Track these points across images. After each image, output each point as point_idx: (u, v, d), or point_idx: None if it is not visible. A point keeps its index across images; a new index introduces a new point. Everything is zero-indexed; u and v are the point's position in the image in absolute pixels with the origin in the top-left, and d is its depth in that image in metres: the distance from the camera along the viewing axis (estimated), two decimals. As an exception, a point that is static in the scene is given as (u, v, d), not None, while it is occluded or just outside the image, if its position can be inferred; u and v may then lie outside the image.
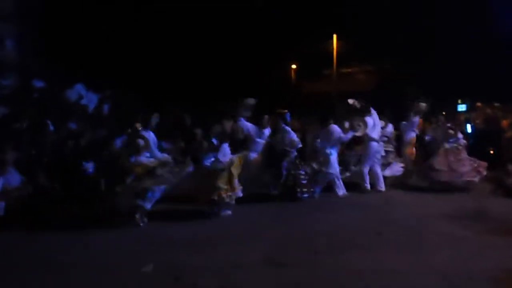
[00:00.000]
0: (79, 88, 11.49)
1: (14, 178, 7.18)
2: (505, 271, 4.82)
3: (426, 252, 5.52)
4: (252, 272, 4.97)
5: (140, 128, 8.44)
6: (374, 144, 9.29)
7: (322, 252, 5.55)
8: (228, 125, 13.09)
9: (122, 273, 5.01)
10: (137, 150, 7.50)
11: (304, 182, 8.71)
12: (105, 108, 12.37)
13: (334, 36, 27.64)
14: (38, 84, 11.59)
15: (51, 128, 9.83)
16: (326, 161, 8.84)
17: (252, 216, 7.60)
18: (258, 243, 5.97)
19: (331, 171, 8.86)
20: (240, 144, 10.72)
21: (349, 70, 29.95)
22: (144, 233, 6.67)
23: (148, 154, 7.61)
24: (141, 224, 7.04)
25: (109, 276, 4.93)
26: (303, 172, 8.77)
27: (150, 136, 8.10)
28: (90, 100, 11.55)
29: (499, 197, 8.69)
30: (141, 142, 7.61)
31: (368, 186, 9.28)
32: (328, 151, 8.87)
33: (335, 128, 9.04)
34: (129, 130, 8.40)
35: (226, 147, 8.06)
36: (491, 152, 11.33)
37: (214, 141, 8.14)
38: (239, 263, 5.23)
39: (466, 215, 7.18)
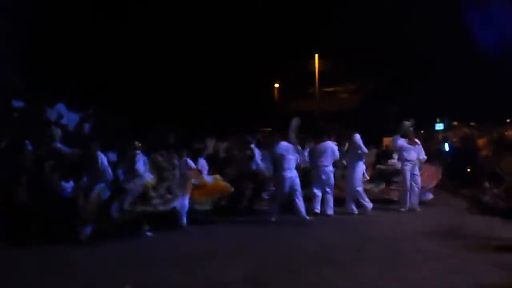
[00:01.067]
0: (60, 107, 11.43)
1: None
2: (483, 286, 4.88)
3: (405, 268, 5.56)
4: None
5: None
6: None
7: (302, 270, 5.56)
8: (210, 143, 13.16)
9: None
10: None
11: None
12: (86, 127, 12.31)
13: (316, 55, 28.06)
14: (18, 104, 11.50)
15: (30, 147, 9.74)
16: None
17: (233, 234, 7.61)
18: (238, 261, 5.96)
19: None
20: (221, 162, 10.91)
21: (332, 89, 30.35)
22: (124, 251, 6.63)
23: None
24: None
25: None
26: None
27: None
28: (70, 119, 11.50)
29: (475, 214, 8.84)
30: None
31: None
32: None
33: (330, 144, 9.19)
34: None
35: (201, 161, 8.73)
36: (468, 170, 11.55)
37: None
38: (219, 281, 5.21)
39: (444, 232, 7.29)
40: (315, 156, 9.20)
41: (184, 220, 8.08)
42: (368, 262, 5.85)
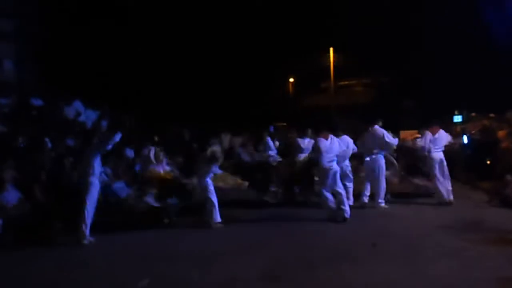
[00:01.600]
0: (77, 105, 11.61)
1: (11, 196, 7.21)
2: (502, 280, 4.82)
3: (422, 263, 5.52)
4: (250, 286, 4.98)
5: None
6: None
7: (317, 265, 5.55)
8: (226, 139, 13.24)
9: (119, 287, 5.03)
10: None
11: None
12: (104, 124, 12.46)
13: (331, 49, 27.89)
14: (37, 102, 11.71)
15: (49, 145, 9.90)
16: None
17: (250, 230, 7.63)
18: (254, 257, 5.98)
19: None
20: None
21: (347, 82, 30.15)
22: (141, 248, 6.70)
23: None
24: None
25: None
26: None
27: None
28: (88, 117, 11.66)
29: (495, 207, 8.71)
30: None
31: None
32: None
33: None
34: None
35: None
36: (488, 162, 11.37)
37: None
38: (236, 277, 5.24)
39: (462, 226, 7.21)
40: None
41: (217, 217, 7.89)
42: (385, 257, 5.82)
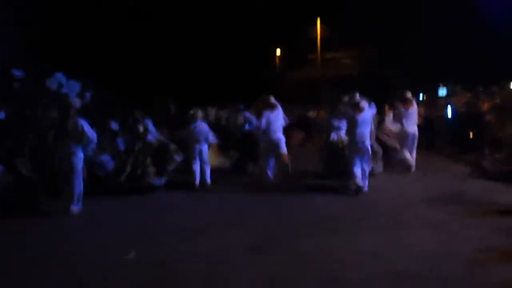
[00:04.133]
0: (59, 76, 11.34)
1: (-6, 169, 7.11)
2: (482, 251, 4.94)
3: (405, 235, 5.62)
4: (236, 258, 5.03)
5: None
6: None
7: (303, 238, 5.62)
8: (212, 112, 13.18)
9: (104, 260, 5.03)
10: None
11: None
12: (87, 96, 12.24)
13: (318, 20, 27.58)
14: (18, 73, 11.40)
15: (32, 117, 9.71)
16: None
17: (234, 204, 7.66)
18: (240, 231, 6.02)
19: None
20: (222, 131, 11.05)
21: (334, 55, 29.98)
22: (127, 222, 6.70)
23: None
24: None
25: (91, 264, 4.94)
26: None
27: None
28: (71, 88, 11.43)
29: (476, 179, 8.87)
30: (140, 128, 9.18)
31: None
32: None
33: None
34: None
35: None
36: (471, 135, 11.52)
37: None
38: (222, 250, 5.29)
39: (444, 198, 7.34)
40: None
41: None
42: (369, 230, 5.90)
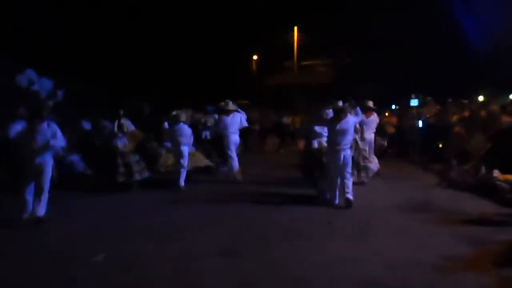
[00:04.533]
0: (30, 73, 11.09)
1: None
2: (447, 258, 5.07)
3: (373, 241, 5.73)
4: (207, 262, 5.01)
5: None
6: None
7: (275, 243, 5.66)
8: (187, 114, 13.11)
9: (72, 262, 4.95)
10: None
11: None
12: (59, 94, 12.01)
13: (295, 28, 27.84)
14: (-14, 69, 11.10)
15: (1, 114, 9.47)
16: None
17: (206, 207, 7.66)
18: (212, 234, 6.03)
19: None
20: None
21: (310, 62, 30.29)
22: (96, 222, 6.63)
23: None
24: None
25: (59, 265, 4.86)
26: None
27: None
28: (42, 86, 11.19)
29: (443, 189, 9.11)
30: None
31: None
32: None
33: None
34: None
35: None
36: (440, 146, 11.82)
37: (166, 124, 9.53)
38: (193, 253, 5.27)
39: (412, 206, 7.52)
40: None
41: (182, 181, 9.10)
42: (338, 235, 6.00)
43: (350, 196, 7.49)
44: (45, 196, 6.51)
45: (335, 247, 5.50)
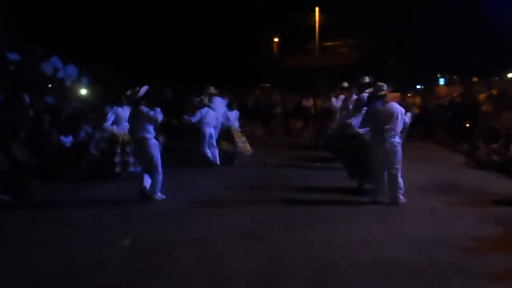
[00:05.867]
0: (55, 61, 11.28)
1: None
2: (473, 240, 4.98)
3: (398, 222, 5.67)
4: (228, 244, 5.04)
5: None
6: None
7: (297, 225, 5.64)
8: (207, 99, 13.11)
9: (98, 247, 5.03)
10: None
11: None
12: (84, 81, 12.19)
13: (317, 9, 27.38)
14: (13, 57, 11.34)
15: (27, 101, 9.68)
16: None
17: (228, 190, 7.67)
18: (233, 217, 6.05)
19: None
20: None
21: (331, 43, 29.84)
22: (120, 208, 6.68)
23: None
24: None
25: (86, 251, 4.94)
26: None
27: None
28: (67, 73, 11.37)
29: (471, 169, 8.92)
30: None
31: None
32: None
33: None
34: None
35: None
36: (467, 125, 11.55)
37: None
38: (215, 236, 5.31)
39: (439, 187, 7.39)
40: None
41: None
42: (363, 217, 5.95)
43: (401, 197, 6.48)
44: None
45: (359, 229, 5.46)
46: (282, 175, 8.80)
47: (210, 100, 10.03)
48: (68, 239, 5.35)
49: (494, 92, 11.39)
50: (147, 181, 6.90)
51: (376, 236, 5.18)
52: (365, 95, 7.58)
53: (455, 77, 14.56)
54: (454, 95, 13.22)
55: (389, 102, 6.52)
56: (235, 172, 9.25)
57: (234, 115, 10.63)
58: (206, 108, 9.73)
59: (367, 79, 8.25)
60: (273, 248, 4.92)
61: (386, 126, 6.33)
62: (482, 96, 12.08)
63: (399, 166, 6.46)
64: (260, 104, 17.78)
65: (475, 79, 13.75)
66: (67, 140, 8.87)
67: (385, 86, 6.61)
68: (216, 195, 7.35)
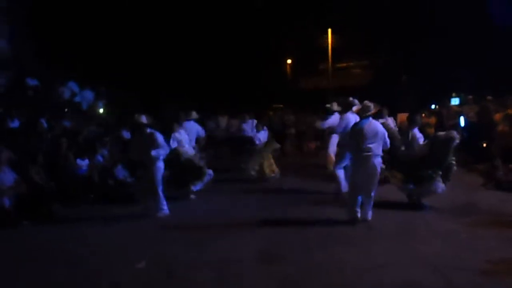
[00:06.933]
0: (72, 85, 11.54)
1: (7, 177, 7.18)
2: (494, 262, 4.90)
3: (416, 244, 5.59)
4: (248, 266, 5.03)
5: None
6: None
7: (314, 247, 5.61)
8: (223, 121, 13.23)
9: (115, 269, 5.06)
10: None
11: None
12: (100, 105, 12.42)
13: (329, 30, 27.62)
14: (32, 82, 11.64)
15: (45, 126, 9.87)
16: None
17: (246, 210, 7.66)
18: (251, 238, 6.03)
19: None
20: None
21: (345, 64, 29.97)
22: (137, 228, 6.73)
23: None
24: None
25: (102, 273, 4.97)
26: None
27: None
28: (83, 97, 11.61)
29: (489, 190, 8.77)
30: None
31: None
32: None
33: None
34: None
35: None
36: (484, 145, 11.40)
37: None
38: (233, 257, 5.30)
39: (456, 208, 7.26)
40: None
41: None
42: (380, 238, 5.89)
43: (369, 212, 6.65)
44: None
45: (377, 251, 5.40)
46: (298, 195, 8.75)
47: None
48: (88, 259, 5.40)
49: (510, 111, 11.25)
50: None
51: (394, 258, 5.12)
52: (349, 115, 7.88)
53: (469, 96, 14.45)
54: (470, 114, 13.09)
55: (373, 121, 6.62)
56: (252, 192, 9.20)
57: (263, 135, 10.71)
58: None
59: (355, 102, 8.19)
60: (290, 270, 4.89)
61: (370, 145, 6.42)
62: (497, 116, 11.93)
63: (375, 188, 6.62)
64: (273, 125, 17.82)
65: (489, 97, 13.61)
66: (84, 163, 8.97)
67: (372, 107, 6.74)
68: (235, 215, 7.35)
